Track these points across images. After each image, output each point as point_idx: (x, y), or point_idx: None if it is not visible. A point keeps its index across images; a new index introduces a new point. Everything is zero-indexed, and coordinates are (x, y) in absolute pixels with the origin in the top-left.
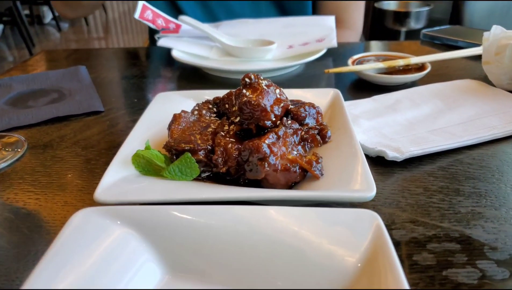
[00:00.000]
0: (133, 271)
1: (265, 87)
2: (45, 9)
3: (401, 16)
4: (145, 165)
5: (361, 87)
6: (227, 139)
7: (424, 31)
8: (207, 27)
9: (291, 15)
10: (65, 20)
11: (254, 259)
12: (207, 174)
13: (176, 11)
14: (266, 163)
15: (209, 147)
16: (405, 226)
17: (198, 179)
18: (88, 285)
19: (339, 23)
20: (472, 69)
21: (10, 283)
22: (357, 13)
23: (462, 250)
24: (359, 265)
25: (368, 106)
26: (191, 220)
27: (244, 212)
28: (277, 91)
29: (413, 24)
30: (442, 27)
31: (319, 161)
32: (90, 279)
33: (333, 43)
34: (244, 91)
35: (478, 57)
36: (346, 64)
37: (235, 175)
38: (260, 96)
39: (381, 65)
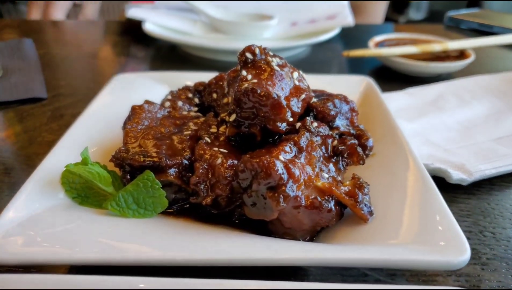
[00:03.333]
0: None
1: (276, 68)
2: None
3: (401, 5)
4: (81, 189)
5: (385, 77)
6: (215, 149)
7: (449, 14)
8: None
9: None
10: None
11: None
12: (180, 204)
13: None
14: (281, 196)
15: (186, 162)
16: None
17: (166, 213)
18: None
19: (356, 9)
20: None
21: None
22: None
23: None
24: None
25: (403, 101)
26: None
27: None
28: (295, 75)
29: (413, 15)
30: (470, 10)
31: (365, 191)
32: None
33: (348, 21)
34: (244, 72)
35: None
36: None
37: (226, 208)
38: (269, 82)
39: (413, 49)
